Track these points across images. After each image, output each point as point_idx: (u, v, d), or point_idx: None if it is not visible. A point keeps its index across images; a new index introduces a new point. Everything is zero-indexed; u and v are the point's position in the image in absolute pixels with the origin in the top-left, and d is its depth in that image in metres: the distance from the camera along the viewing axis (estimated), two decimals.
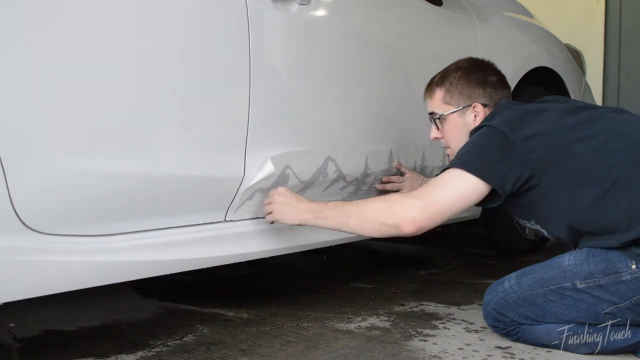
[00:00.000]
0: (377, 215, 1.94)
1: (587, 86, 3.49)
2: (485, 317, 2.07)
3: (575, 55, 3.45)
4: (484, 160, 1.93)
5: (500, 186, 1.92)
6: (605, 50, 5.33)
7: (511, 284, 2.01)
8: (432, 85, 2.23)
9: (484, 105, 2.15)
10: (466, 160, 1.94)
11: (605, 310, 1.89)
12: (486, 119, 2.07)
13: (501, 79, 2.22)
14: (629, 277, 1.85)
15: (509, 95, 2.22)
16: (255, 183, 1.98)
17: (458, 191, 1.92)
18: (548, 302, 1.94)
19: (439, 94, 2.20)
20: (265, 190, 2.03)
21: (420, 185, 2.44)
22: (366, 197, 2.38)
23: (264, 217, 2.07)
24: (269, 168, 1.99)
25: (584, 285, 1.90)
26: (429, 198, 1.91)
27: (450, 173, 1.94)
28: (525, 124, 1.97)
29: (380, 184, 2.43)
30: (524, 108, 2.07)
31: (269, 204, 2.04)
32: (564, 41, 3.42)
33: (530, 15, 3.29)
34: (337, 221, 2.00)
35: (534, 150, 1.92)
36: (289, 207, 2.01)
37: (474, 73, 2.19)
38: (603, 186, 1.88)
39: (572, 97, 3.24)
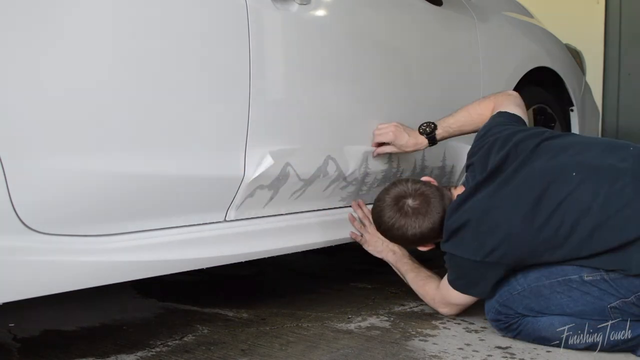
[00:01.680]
0: (425, 298, 2.30)
1: (587, 86, 3.49)
2: (487, 312, 2.08)
3: (575, 55, 3.45)
4: (465, 282, 2.12)
5: (485, 295, 2.10)
6: (605, 51, 5.33)
7: (516, 278, 2.02)
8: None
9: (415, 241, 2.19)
10: (454, 284, 2.14)
11: (612, 304, 1.90)
12: (445, 234, 2.09)
13: (415, 209, 2.12)
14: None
15: (430, 199, 2.14)
16: (256, 179, 1.98)
17: (464, 297, 2.16)
18: (554, 293, 1.96)
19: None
20: (265, 187, 2.03)
21: (408, 140, 2.35)
22: (366, 197, 2.40)
23: (265, 217, 2.08)
24: (268, 163, 1.99)
25: (591, 278, 1.92)
26: (450, 304, 2.21)
27: (452, 288, 2.16)
28: (480, 239, 2.01)
29: (374, 143, 2.36)
30: (471, 223, 2.03)
31: (362, 227, 2.36)
32: (564, 41, 3.42)
33: (530, 15, 3.29)
34: (403, 277, 2.36)
35: (503, 257, 2.00)
36: (380, 242, 2.34)
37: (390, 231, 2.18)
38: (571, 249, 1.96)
39: (572, 97, 3.24)
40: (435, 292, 2.23)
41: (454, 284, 2.13)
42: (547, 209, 1.95)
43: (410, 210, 2.12)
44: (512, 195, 2.01)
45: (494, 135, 2.15)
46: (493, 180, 2.05)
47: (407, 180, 2.18)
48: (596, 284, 1.92)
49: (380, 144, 2.35)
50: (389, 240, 2.28)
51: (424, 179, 2.23)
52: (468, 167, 2.21)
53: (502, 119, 2.23)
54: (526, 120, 2.32)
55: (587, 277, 1.93)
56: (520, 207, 1.98)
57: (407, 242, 2.22)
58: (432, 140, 2.38)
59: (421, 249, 2.23)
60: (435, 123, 2.38)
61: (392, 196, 2.15)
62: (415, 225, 2.12)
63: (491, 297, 2.07)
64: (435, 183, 2.23)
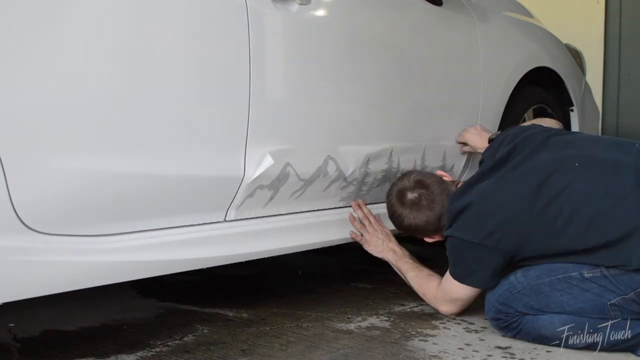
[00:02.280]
0: (425, 297, 2.29)
1: (587, 86, 3.49)
2: (487, 311, 2.08)
3: (575, 55, 3.45)
4: (464, 269, 2.12)
5: (484, 285, 2.11)
6: (605, 51, 5.33)
7: (517, 276, 2.04)
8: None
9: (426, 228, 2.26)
10: (454, 273, 2.15)
11: (612, 301, 1.91)
12: (448, 220, 2.14)
13: (415, 200, 2.22)
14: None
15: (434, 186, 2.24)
16: (256, 179, 1.98)
17: (465, 290, 2.16)
18: (554, 290, 1.97)
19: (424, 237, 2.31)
20: (265, 187, 2.02)
21: (480, 143, 2.52)
22: (366, 197, 2.40)
23: (265, 217, 2.08)
24: (268, 163, 1.99)
25: (591, 274, 1.93)
26: (451, 301, 2.21)
27: (452, 280, 2.16)
28: (481, 220, 2.04)
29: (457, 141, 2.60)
30: (473, 205, 2.06)
31: (362, 227, 2.36)
32: (564, 41, 3.42)
33: (530, 15, 3.29)
34: (404, 276, 2.36)
35: (502, 240, 2.02)
36: (380, 241, 2.37)
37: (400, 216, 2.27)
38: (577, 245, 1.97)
39: (572, 97, 3.24)
40: (437, 290, 2.25)
41: (453, 273, 2.14)
42: (547, 196, 1.98)
43: (408, 202, 2.23)
44: (516, 181, 2.05)
45: (506, 132, 2.26)
46: (499, 169, 2.11)
47: (412, 173, 2.29)
48: (596, 281, 1.93)
49: (462, 143, 2.60)
50: (389, 238, 2.37)
51: (437, 173, 2.32)
52: (480, 163, 2.28)
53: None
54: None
55: (587, 273, 1.94)
56: (521, 192, 2.02)
57: (407, 230, 2.31)
58: None
59: (427, 240, 2.30)
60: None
61: (398, 187, 2.27)
62: (410, 217, 2.24)
63: (491, 296, 2.07)
64: (448, 178, 2.30)
